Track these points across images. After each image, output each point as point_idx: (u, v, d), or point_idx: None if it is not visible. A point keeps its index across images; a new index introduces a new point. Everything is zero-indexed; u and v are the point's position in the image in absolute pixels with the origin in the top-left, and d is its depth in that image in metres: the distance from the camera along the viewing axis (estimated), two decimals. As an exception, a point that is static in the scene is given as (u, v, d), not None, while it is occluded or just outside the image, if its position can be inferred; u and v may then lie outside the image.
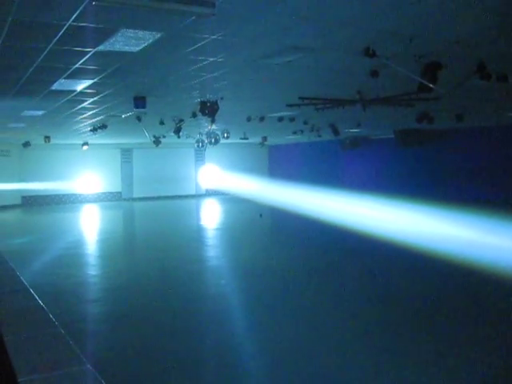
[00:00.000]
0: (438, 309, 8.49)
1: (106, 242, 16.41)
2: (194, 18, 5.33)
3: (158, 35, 6.18)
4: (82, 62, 7.57)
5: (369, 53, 6.87)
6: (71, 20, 5.48)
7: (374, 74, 8.29)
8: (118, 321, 8.10)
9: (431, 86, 7.28)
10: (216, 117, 12.13)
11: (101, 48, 6.77)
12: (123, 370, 6.07)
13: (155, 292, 9.81)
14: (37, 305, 2.01)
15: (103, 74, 8.66)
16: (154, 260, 12.94)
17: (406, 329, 7.54)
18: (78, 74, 8.58)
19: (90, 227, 21.50)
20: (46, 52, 6.92)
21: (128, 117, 14.45)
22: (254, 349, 6.75)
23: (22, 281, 2.53)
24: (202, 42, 6.55)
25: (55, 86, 9.64)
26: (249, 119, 15.69)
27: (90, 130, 18.52)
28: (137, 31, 6.00)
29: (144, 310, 8.66)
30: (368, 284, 10.22)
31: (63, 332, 1.64)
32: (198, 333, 7.48)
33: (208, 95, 10.98)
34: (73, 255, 13.60)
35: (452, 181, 22.93)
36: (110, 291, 9.96)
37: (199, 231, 19.30)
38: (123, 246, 16.44)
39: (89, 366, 1.40)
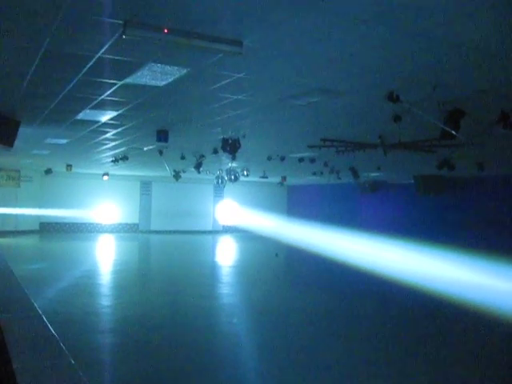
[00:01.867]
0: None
1: (120, 273, 16.39)
2: (220, 55, 5.41)
3: (185, 71, 6.27)
4: (108, 93, 7.69)
5: (392, 98, 6.90)
6: (101, 52, 5.59)
7: (397, 119, 8.30)
8: (128, 353, 8.02)
9: (454, 133, 7.26)
10: (237, 154, 12.19)
11: (128, 81, 6.88)
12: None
13: (167, 326, 9.73)
14: (49, 333, 2.00)
15: (128, 107, 8.78)
16: (166, 294, 12.87)
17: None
18: (104, 105, 8.71)
19: (105, 257, 21.51)
20: (74, 82, 7.05)
21: (149, 150, 14.58)
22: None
23: (35, 307, 2.52)
24: (228, 80, 6.63)
25: (80, 116, 9.79)
26: (269, 158, 15.75)
27: (112, 161, 18.70)
28: (164, 66, 6.09)
29: (154, 343, 8.58)
30: (382, 329, 10.05)
31: (74, 363, 1.62)
32: (209, 371, 7.38)
33: (230, 132, 11.06)
34: (87, 285, 13.58)
35: (471, 230, 22.65)
36: (121, 323, 9.90)
37: (214, 268, 19.21)
38: (137, 278, 16.39)
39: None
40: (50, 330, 2.04)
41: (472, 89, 6.69)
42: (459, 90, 6.76)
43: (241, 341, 8.85)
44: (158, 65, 6.07)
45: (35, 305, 2.63)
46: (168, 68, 6.18)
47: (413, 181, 23.69)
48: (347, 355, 8.30)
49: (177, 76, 6.52)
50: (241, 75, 6.38)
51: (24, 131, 10.77)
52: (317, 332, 9.68)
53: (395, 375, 7.47)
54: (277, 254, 21.82)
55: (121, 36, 4.72)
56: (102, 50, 5.52)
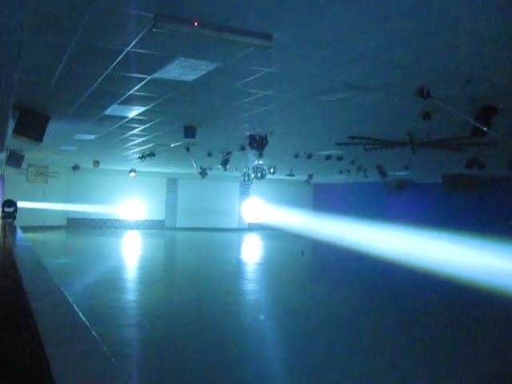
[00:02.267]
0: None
1: (146, 269, 16.48)
2: (250, 49, 5.37)
3: (214, 65, 6.26)
4: (136, 88, 7.72)
5: (423, 94, 6.81)
6: (130, 46, 5.60)
7: (427, 116, 8.20)
8: (154, 347, 8.04)
9: (485, 129, 7.14)
10: (264, 151, 12.17)
11: (156, 75, 6.89)
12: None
13: (192, 322, 9.73)
14: (80, 321, 1.99)
15: (156, 102, 8.80)
16: (192, 290, 12.89)
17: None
18: (132, 101, 8.74)
19: (131, 253, 21.65)
20: (103, 77, 7.08)
21: (176, 146, 14.63)
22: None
23: (65, 297, 2.52)
24: (257, 75, 6.61)
25: (109, 111, 9.84)
26: (296, 156, 15.70)
27: (139, 158, 18.80)
28: (193, 60, 6.09)
29: (180, 339, 8.59)
30: (415, 329, 9.93)
31: (105, 349, 1.61)
32: (234, 367, 7.36)
33: (258, 129, 11.04)
34: (113, 279, 13.68)
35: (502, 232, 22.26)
36: (146, 317, 9.93)
37: (239, 265, 19.21)
38: (163, 274, 16.46)
39: (131, 385, 1.36)
40: (80, 318, 2.03)
41: (505, 84, 6.57)
42: (491, 86, 6.65)
43: (267, 337, 8.80)
44: (188, 59, 6.06)
45: (65, 294, 2.63)
46: (197, 62, 6.17)
47: (440, 180, 23.45)
48: (373, 355, 8.22)
49: (206, 71, 6.51)
50: (270, 70, 6.35)
51: (53, 127, 10.86)
52: (344, 332, 9.60)
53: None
54: (303, 253, 21.76)
55: (151, 29, 4.71)
56: (132, 44, 5.53)
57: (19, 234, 7.36)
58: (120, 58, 6.09)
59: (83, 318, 2.00)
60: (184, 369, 7.14)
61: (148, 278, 14.74)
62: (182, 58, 6.03)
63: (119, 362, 1.47)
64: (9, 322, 3.61)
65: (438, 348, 8.63)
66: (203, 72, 6.59)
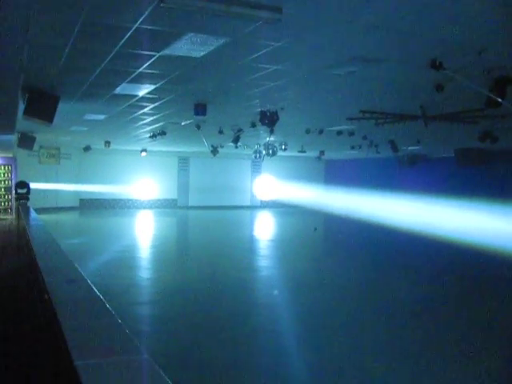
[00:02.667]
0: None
1: (159, 247, 16.56)
2: (260, 23, 5.31)
3: (223, 40, 6.19)
4: (146, 65, 7.66)
5: (435, 65, 6.70)
6: (139, 22, 5.54)
7: (439, 88, 8.10)
8: (168, 324, 8.09)
9: (500, 100, 7.05)
10: (275, 128, 12.10)
11: (165, 52, 6.83)
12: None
13: (207, 298, 9.78)
14: (94, 295, 1.98)
15: (166, 80, 8.74)
16: (206, 266, 12.96)
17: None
18: (141, 79, 8.69)
19: (144, 232, 21.76)
20: (112, 55, 7.03)
21: (187, 124, 14.58)
22: (304, 361, 6.63)
23: (79, 272, 2.52)
24: (267, 49, 6.53)
25: (118, 90, 9.80)
26: (308, 132, 15.60)
27: (150, 137, 18.78)
28: (202, 35, 6.01)
29: (195, 314, 8.64)
30: (423, 301, 9.92)
31: (120, 321, 1.60)
32: (250, 341, 7.40)
33: (268, 105, 10.97)
34: (127, 258, 13.76)
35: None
36: (161, 294, 10.00)
37: (252, 242, 19.26)
38: (176, 251, 16.55)
39: (146, 355, 1.35)
40: (95, 292, 2.03)
41: (519, 54, 6.46)
42: (506, 56, 6.53)
43: (282, 312, 8.83)
44: (196, 35, 5.99)
45: (79, 269, 2.63)
46: (206, 38, 6.10)
47: (453, 154, 23.25)
48: (385, 325, 8.23)
49: (215, 46, 6.44)
50: (280, 44, 6.27)
51: (63, 107, 10.84)
52: (358, 306, 9.60)
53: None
54: (315, 229, 21.76)
55: (159, 4, 4.66)
56: (140, 20, 5.47)
57: (33, 214, 7.40)
58: (128, 34, 6.03)
59: (97, 292, 2.00)
60: (199, 344, 7.18)
61: (162, 256, 14.82)
62: (191, 34, 5.96)
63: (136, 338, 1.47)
64: (25, 298, 3.63)
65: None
66: (212, 47, 6.52)
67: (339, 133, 15.69)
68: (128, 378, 1.23)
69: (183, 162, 32.21)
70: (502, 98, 7.09)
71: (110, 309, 1.76)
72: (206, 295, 9.99)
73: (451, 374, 6.31)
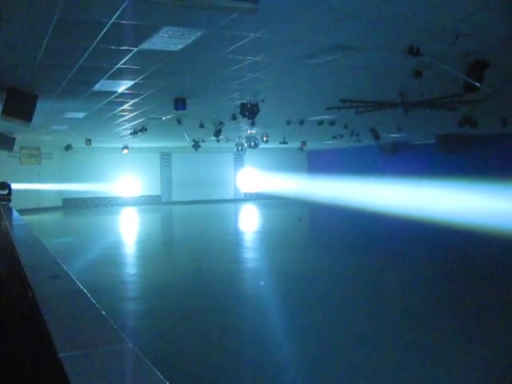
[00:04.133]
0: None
1: (144, 243, 16.53)
2: (236, 14, 5.29)
3: (200, 33, 6.17)
4: (123, 61, 7.62)
5: (413, 51, 6.74)
6: (114, 17, 5.51)
7: (418, 74, 8.13)
8: (155, 318, 8.09)
9: (477, 84, 7.10)
10: (256, 120, 12.11)
11: (143, 47, 6.80)
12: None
13: (193, 291, 9.79)
14: (77, 288, 1.98)
15: (144, 75, 8.70)
16: (192, 261, 12.95)
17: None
18: (120, 75, 8.65)
19: (129, 229, 21.70)
20: (89, 51, 6.98)
21: (168, 119, 14.54)
22: (290, 351, 6.65)
23: (63, 267, 2.51)
24: (244, 41, 6.52)
25: (97, 87, 9.74)
26: (288, 122, 15.60)
27: (131, 133, 18.71)
28: (179, 28, 5.99)
29: (182, 308, 8.64)
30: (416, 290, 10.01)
31: (104, 313, 1.60)
32: (237, 334, 7.42)
33: (248, 97, 10.96)
34: (112, 255, 13.71)
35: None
36: (147, 290, 9.99)
37: (237, 234, 19.28)
38: (161, 247, 16.52)
39: (131, 344, 1.35)
40: (78, 286, 2.02)
41: (496, 38, 6.50)
42: (482, 40, 6.58)
43: (269, 303, 8.85)
44: (173, 28, 5.97)
45: (62, 265, 2.62)
46: (182, 30, 6.07)
47: (434, 141, 23.40)
48: (371, 313, 8.29)
49: (192, 39, 6.41)
50: (257, 35, 6.26)
51: (42, 106, 10.77)
52: (344, 294, 9.66)
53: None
54: (300, 219, 21.86)
55: (133, -3, 4.64)
56: (116, 15, 5.43)
57: (15, 214, 7.35)
58: (105, 30, 5.99)
59: (81, 286, 1.99)
60: (185, 337, 7.19)
61: (148, 251, 14.81)
62: (167, 27, 5.94)
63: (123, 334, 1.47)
64: (8, 293, 3.61)
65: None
66: (190, 40, 6.49)
67: (320, 123, 15.71)
68: (113, 367, 1.24)
69: (165, 157, 32.12)
70: (480, 82, 7.14)
71: (94, 301, 1.76)
72: (192, 289, 9.99)
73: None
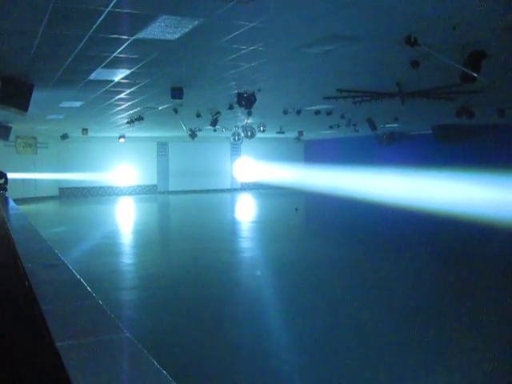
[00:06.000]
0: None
1: (141, 233, 16.53)
2: (233, 3, 5.27)
3: (197, 22, 6.14)
4: (120, 50, 7.59)
5: (410, 41, 6.72)
6: (110, 6, 5.47)
7: (415, 64, 8.11)
8: (152, 308, 8.11)
9: (475, 74, 7.09)
10: (253, 109, 12.09)
11: (139, 35, 6.76)
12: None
13: (190, 281, 9.80)
14: (74, 278, 1.98)
15: (141, 64, 8.67)
16: (188, 250, 12.96)
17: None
18: (116, 63, 8.61)
19: (125, 219, 21.69)
20: (85, 40, 6.95)
21: (165, 109, 14.51)
22: (287, 340, 6.68)
23: (60, 257, 2.51)
24: (241, 30, 6.49)
25: (93, 76, 9.70)
26: (285, 112, 15.57)
27: (127, 123, 18.67)
28: (175, 17, 5.96)
29: (179, 297, 8.66)
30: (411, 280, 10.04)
31: (101, 303, 1.60)
32: (233, 323, 7.44)
33: (245, 86, 10.93)
34: (109, 245, 13.71)
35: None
36: (144, 279, 10.01)
37: (234, 224, 19.30)
38: (158, 237, 16.54)
39: (127, 334, 1.36)
40: (75, 275, 2.03)
41: (494, 28, 6.48)
42: (480, 30, 6.56)
43: (266, 292, 8.88)
44: (170, 16, 5.93)
45: (60, 255, 2.62)
46: (179, 19, 6.04)
47: (431, 131, 23.38)
48: (366, 301, 8.31)
49: (189, 28, 6.38)
50: (254, 24, 6.23)
51: (38, 95, 10.73)
52: (341, 283, 9.68)
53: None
54: (296, 209, 21.89)
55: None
56: (112, 3, 5.40)
57: (11, 203, 7.35)
58: (101, 18, 5.95)
59: (78, 276, 2.00)
60: (182, 326, 7.21)
61: (144, 241, 14.81)
62: (164, 16, 5.90)
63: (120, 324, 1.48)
64: (4, 284, 3.61)
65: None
66: (186, 29, 6.46)
67: (317, 112, 15.69)
68: (110, 356, 1.24)
69: (162, 147, 32.06)
70: (477, 73, 7.13)
71: (91, 291, 1.77)
72: (188, 279, 10.01)
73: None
